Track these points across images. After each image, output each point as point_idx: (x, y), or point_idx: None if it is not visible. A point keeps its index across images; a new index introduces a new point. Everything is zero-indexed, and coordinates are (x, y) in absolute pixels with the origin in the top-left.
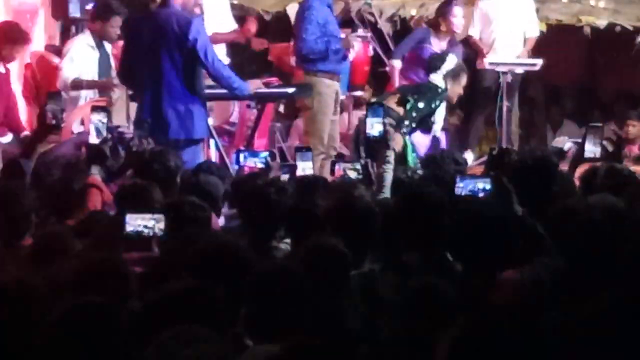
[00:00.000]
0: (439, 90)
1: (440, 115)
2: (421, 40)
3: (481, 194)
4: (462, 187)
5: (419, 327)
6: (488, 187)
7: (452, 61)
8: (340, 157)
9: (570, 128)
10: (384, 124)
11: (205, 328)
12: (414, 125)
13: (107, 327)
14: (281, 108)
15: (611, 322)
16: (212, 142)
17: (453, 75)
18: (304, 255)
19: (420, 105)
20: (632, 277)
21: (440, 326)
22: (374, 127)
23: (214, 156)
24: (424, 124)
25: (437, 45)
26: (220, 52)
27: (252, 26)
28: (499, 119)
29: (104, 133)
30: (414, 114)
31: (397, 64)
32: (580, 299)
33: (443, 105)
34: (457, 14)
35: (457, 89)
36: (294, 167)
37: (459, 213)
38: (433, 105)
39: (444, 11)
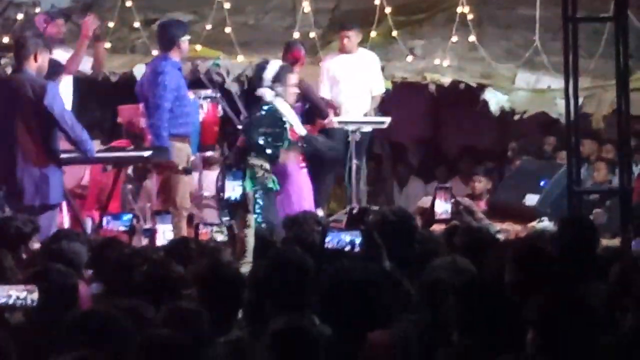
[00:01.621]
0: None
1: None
2: None
3: (348, 247)
4: (330, 241)
5: None
6: (357, 240)
7: (274, 66)
8: (190, 218)
9: (416, 184)
10: (244, 188)
11: None
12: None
13: None
14: (130, 170)
15: None
16: (64, 205)
17: (281, 79)
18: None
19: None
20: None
21: None
22: (235, 190)
23: (66, 220)
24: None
25: None
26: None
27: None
28: (349, 177)
29: None
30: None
31: None
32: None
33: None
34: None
35: (290, 90)
36: (153, 231)
37: (326, 274)
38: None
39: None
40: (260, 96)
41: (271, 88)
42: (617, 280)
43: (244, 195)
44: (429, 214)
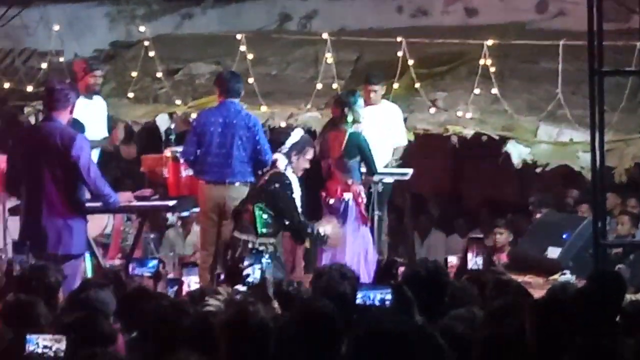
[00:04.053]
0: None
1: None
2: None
3: (378, 304)
4: (361, 297)
5: None
6: (388, 297)
7: (297, 134)
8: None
9: (437, 236)
10: (263, 272)
11: None
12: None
13: None
14: None
15: None
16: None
17: (299, 149)
18: None
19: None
20: None
21: None
22: (255, 272)
23: (89, 269)
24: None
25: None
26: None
27: (120, 133)
28: (371, 228)
29: None
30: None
31: None
32: None
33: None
34: None
35: (302, 163)
36: (180, 282)
37: (357, 326)
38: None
39: None
40: (275, 160)
41: (287, 155)
42: None
43: (263, 278)
44: (460, 266)
